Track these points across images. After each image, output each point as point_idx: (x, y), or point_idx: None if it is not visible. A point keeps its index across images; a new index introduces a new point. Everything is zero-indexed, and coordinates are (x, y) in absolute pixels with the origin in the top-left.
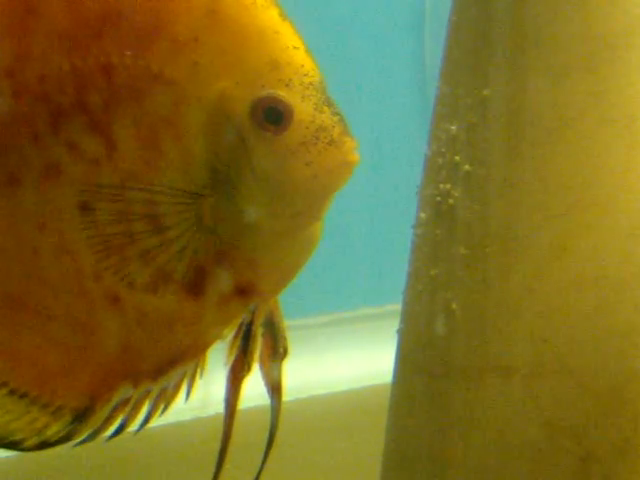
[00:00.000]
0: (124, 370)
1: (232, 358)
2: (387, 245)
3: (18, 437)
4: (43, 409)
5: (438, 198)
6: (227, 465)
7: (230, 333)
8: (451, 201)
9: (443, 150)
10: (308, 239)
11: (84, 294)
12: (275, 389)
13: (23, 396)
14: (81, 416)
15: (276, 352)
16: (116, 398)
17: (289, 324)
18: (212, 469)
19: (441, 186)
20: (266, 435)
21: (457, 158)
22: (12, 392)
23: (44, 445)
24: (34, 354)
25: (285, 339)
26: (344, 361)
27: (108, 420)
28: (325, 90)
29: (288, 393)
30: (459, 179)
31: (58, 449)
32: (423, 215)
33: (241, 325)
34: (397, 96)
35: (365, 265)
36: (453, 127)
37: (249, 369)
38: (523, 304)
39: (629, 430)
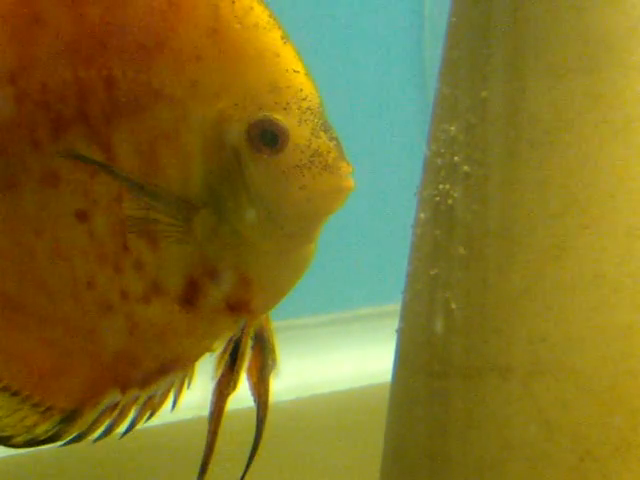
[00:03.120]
0: (114, 376)
1: (219, 373)
2: (387, 245)
3: (8, 433)
4: (33, 408)
5: (437, 198)
6: (227, 464)
7: (220, 346)
8: (450, 201)
9: (442, 151)
10: (300, 260)
11: (78, 300)
12: (262, 401)
13: (15, 394)
14: (69, 417)
15: (265, 365)
16: (104, 403)
17: (289, 324)
18: (212, 468)
19: (440, 186)
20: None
21: (456, 159)
22: (5, 389)
23: (32, 443)
24: (28, 354)
25: (274, 353)
26: (344, 361)
27: (95, 423)
28: (323, 114)
29: (289, 392)
30: (458, 179)
31: (58, 447)
32: (422, 215)
33: (230, 341)
34: (397, 96)
35: (365, 265)
36: (452, 128)
37: (235, 386)
38: (522, 304)
39: (628, 429)
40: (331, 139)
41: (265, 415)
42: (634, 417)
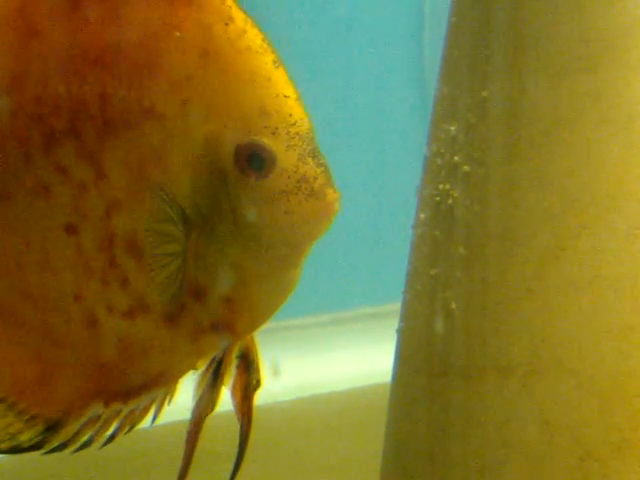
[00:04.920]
0: (97, 389)
1: (200, 393)
2: (387, 245)
3: None
4: (19, 415)
5: (437, 198)
6: (226, 464)
7: (204, 365)
8: (450, 201)
9: (442, 150)
10: (285, 283)
11: (64, 312)
12: (244, 421)
13: (1, 401)
14: (53, 427)
15: (249, 385)
16: (87, 414)
17: (289, 324)
18: (212, 468)
19: (440, 186)
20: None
21: (456, 158)
22: None
23: (16, 450)
24: (15, 363)
25: (259, 372)
26: (344, 361)
27: (78, 434)
28: (312, 140)
29: (289, 392)
30: (458, 179)
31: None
32: (422, 215)
33: (212, 361)
34: (397, 96)
35: (365, 265)
36: (452, 128)
37: (213, 407)
38: (522, 304)
39: (627, 429)
40: (319, 165)
41: (248, 434)
42: (634, 417)
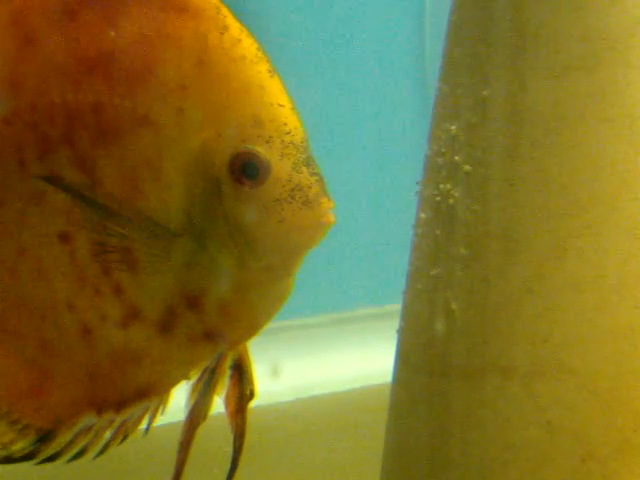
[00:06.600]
0: (90, 398)
1: (193, 402)
2: (387, 245)
3: None
4: (11, 425)
5: (438, 198)
6: (228, 466)
7: (197, 374)
8: (451, 201)
9: (443, 150)
10: (279, 292)
11: (56, 320)
12: (238, 431)
13: None
14: (46, 437)
15: (242, 395)
16: (80, 424)
17: (289, 324)
18: (212, 469)
19: (441, 186)
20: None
21: (457, 158)
22: None
23: (9, 460)
24: (7, 372)
25: (252, 383)
26: (344, 361)
27: (70, 444)
28: (307, 149)
29: (289, 393)
30: (459, 179)
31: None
32: (423, 215)
33: (205, 370)
34: (397, 96)
35: (365, 265)
36: (453, 127)
37: (205, 417)
38: (523, 304)
39: (629, 430)
40: (313, 174)
41: (242, 444)
42: (636, 418)
